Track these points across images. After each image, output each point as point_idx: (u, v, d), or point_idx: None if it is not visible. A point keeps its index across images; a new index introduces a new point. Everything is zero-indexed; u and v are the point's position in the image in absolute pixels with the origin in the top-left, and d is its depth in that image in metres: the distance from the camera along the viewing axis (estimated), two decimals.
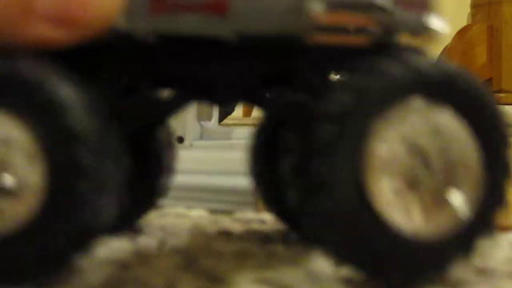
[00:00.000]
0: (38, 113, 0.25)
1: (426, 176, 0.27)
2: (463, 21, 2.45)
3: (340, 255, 0.28)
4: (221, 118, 1.21)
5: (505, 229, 0.39)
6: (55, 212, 0.25)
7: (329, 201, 0.27)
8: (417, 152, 0.27)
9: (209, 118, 0.97)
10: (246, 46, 0.28)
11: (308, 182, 0.27)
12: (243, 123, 1.33)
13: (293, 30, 0.27)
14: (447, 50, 2.21)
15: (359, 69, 0.28)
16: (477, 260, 0.33)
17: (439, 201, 0.28)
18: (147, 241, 0.37)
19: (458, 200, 0.28)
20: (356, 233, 0.27)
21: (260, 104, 0.31)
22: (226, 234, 0.39)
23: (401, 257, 0.27)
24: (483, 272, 0.32)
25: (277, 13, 0.27)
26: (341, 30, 0.28)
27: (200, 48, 0.28)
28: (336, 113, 0.26)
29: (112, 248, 0.35)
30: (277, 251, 0.35)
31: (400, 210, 0.27)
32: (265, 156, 0.37)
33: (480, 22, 2.23)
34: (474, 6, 2.34)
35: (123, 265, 0.32)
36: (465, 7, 2.49)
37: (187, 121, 0.81)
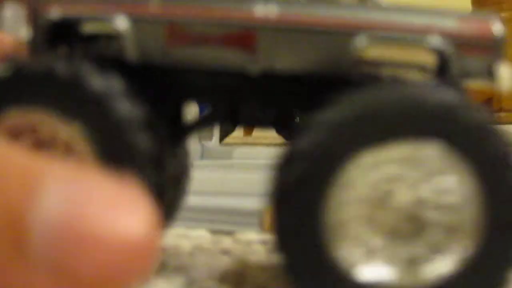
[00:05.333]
0: None
1: (401, 230, 0.25)
2: None
3: None
4: (221, 138, 1.21)
5: None
6: None
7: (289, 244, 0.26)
8: (390, 204, 0.25)
9: (210, 137, 0.97)
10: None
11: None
12: (243, 143, 1.33)
13: (335, 67, 0.27)
14: None
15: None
16: None
17: (417, 257, 0.26)
18: None
19: (436, 265, 0.25)
20: (314, 274, 0.26)
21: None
22: (227, 255, 0.39)
23: None
24: None
25: (317, 51, 0.27)
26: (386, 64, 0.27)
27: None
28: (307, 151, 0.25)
29: None
30: (278, 273, 0.35)
31: (363, 257, 0.26)
32: None
33: None
34: None
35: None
36: None
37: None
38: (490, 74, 0.27)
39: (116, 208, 0.18)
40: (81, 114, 0.25)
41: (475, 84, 0.28)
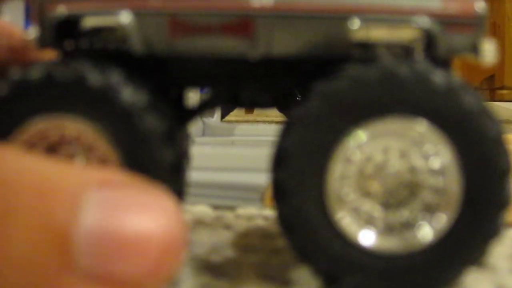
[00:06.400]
0: None
1: (392, 195, 0.27)
2: None
3: (300, 258, 0.28)
4: (223, 115, 1.21)
5: (508, 225, 0.39)
6: None
7: (288, 208, 0.27)
8: (384, 171, 0.27)
9: (212, 114, 0.97)
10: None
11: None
12: (245, 120, 1.33)
13: (330, 50, 0.28)
14: None
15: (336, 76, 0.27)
16: None
17: (405, 222, 0.27)
18: None
19: (424, 228, 0.27)
20: (314, 239, 0.27)
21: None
22: (228, 230, 0.39)
23: (355, 266, 0.27)
24: (485, 268, 0.32)
25: (313, 36, 0.28)
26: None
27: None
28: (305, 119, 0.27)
29: None
30: (279, 247, 0.35)
31: (360, 223, 0.27)
32: None
33: None
34: None
35: None
36: None
37: None
38: (474, 49, 0.29)
39: (148, 212, 0.20)
40: (109, 124, 0.27)
41: (473, 61, 0.30)
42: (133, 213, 0.19)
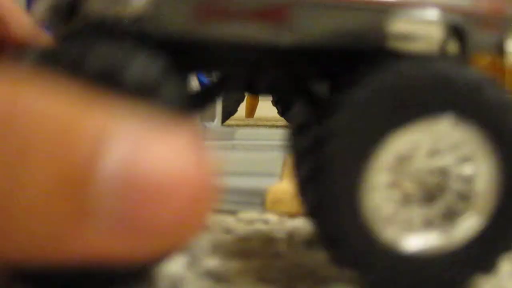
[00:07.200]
0: None
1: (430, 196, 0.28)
2: None
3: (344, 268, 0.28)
4: (224, 119, 1.21)
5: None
6: None
7: (327, 221, 0.27)
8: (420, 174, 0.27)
9: (212, 118, 0.97)
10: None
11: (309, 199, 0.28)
12: (246, 124, 1.33)
13: (362, 42, 0.28)
14: None
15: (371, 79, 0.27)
16: None
17: (445, 220, 0.28)
18: None
19: (463, 224, 0.28)
20: (353, 250, 0.27)
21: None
22: (230, 234, 0.39)
23: (395, 273, 0.27)
24: None
25: (348, 26, 0.28)
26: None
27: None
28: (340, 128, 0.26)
29: None
30: (280, 251, 0.35)
31: (399, 227, 0.27)
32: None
33: None
34: None
35: None
36: None
37: None
38: (499, 49, 0.29)
39: (179, 155, 0.17)
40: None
41: (485, 60, 0.30)
42: (162, 155, 0.17)
